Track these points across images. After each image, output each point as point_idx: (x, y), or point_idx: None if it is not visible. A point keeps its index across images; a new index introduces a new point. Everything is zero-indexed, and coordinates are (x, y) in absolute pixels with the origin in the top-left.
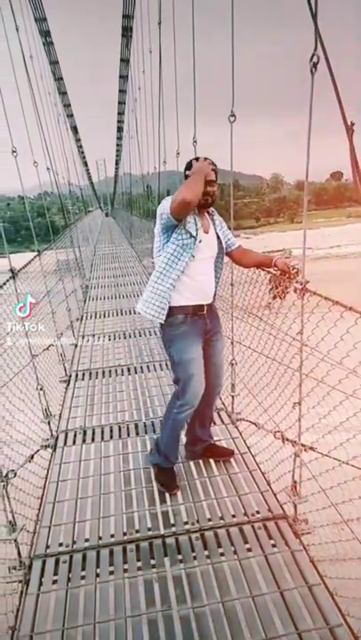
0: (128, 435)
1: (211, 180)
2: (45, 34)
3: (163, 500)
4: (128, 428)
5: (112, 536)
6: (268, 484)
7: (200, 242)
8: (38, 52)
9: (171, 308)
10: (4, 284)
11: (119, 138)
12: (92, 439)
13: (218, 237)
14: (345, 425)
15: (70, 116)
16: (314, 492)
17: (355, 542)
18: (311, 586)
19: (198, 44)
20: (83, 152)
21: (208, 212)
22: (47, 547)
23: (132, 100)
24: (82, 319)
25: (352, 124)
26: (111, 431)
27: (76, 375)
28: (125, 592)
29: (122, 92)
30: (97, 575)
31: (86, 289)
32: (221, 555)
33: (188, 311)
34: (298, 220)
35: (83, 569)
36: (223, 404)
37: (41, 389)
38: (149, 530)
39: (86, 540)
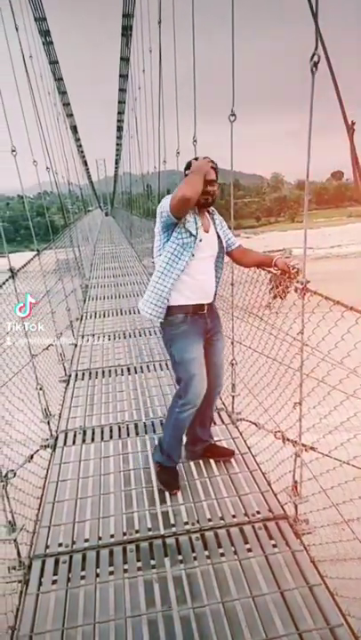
0: (128, 435)
1: (211, 179)
2: (45, 33)
3: (163, 501)
4: (128, 428)
5: (112, 536)
6: (269, 485)
7: (200, 241)
8: (38, 52)
9: (171, 308)
10: (4, 283)
11: (119, 137)
12: (92, 439)
13: (218, 236)
14: (346, 425)
15: (70, 115)
16: (315, 493)
17: (355, 542)
18: (312, 586)
19: (198, 42)
20: (82, 151)
21: (208, 212)
22: (47, 547)
23: (131, 100)
24: (81, 319)
25: (353, 124)
26: (111, 431)
27: (76, 375)
28: (125, 592)
29: (122, 90)
30: (97, 575)
31: (86, 288)
32: (222, 555)
33: (188, 310)
34: (298, 220)
35: (82, 569)
36: (223, 403)
37: (40, 389)
38: (149, 530)
39: (86, 541)
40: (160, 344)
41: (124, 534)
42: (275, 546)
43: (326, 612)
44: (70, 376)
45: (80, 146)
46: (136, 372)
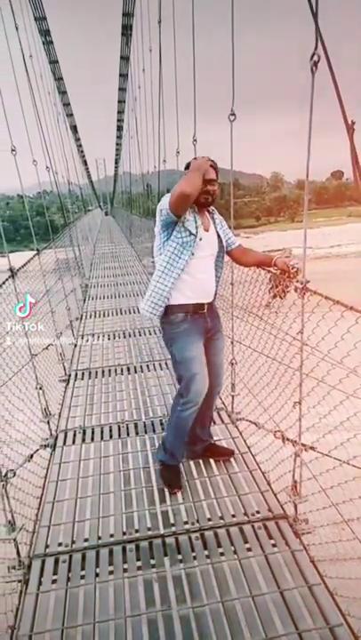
0: (128, 434)
1: (211, 179)
2: (45, 33)
3: (162, 500)
4: (128, 428)
5: (111, 536)
6: (269, 484)
7: (200, 240)
8: (38, 52)
9: (171, 307)
10: (4, 283)
11: (119, 137)
12: (92, 439)
13: (218, 236)
14: (345, 424)
15: (70, 115)
16: (314, 492)
17: (355, 542)
18: (311, 586)
19: (198, 42)
20: (82, 151)
21: (208, 211)
22: (46, 546)
23: (131, 99)
24: (81, 318)
25: (353, 123)
26: (111, 431)
27: (76, 374)
28: (125, 592)
29: (122, 90)
30: (96, 575)
31: (86, 288)
32: (221, 554)
33: (188, 310)
34: (298, 220)
35: (82, 569)
36: (223, 403)
37: (40, 389)
38: (149, 529)
39: (86, 540)
40: (160, 343)
41: (124, 534)
42: (274, 545)
43: (326, 612)
44: (70, 376)
45: (80, 145)
46: (136, 372)
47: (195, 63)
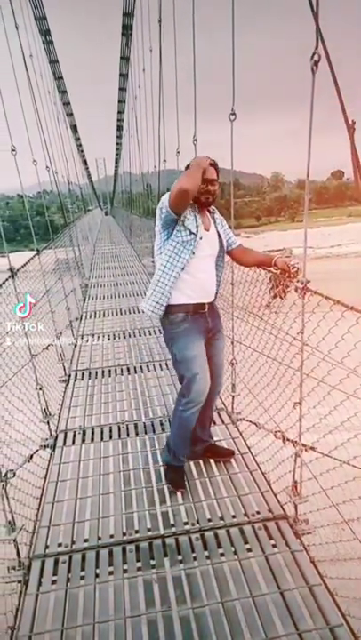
0: (128, 435)
1: (212, 178)
2: (45, 33)
3: (162, 501)
4: (128, 428)
5: (111, 536)
6: (269, 485)
7: (201, 239)
8: (38, 51)
9: (172, 306)
10: (4, 283)
11: (119, 136)
12: (92, 439)
13: (219, 235)
14: (346, 425)
15: (70, 114)
16: (314, 493)
17: (355, 542)
18: (312, 586)
19: (198, 41)
20: (82, 151)
21: (209, 211)
22: (46, 547)
23: (132, 99)
24: (81, 318)
25: (353, 123)
26: (111, 431)
27: (76, 375)
28: (125, 592)
29: (122, 90)
30: (96, 575)
31: (86, 288)
32: (221, 555)
33: (189, 309)
34: (298, 219)
35: (82, 569)
36: (223, 403)
37: (40, 389)
38: (149, 530)
39: (85, 541)
40: (160, 344)
41: (124, 534)
42: (274, 546)
43: (326, 612)
44: (70, 376)
45: (80, 145)
46: (136, 372)
47: (195, 63)
